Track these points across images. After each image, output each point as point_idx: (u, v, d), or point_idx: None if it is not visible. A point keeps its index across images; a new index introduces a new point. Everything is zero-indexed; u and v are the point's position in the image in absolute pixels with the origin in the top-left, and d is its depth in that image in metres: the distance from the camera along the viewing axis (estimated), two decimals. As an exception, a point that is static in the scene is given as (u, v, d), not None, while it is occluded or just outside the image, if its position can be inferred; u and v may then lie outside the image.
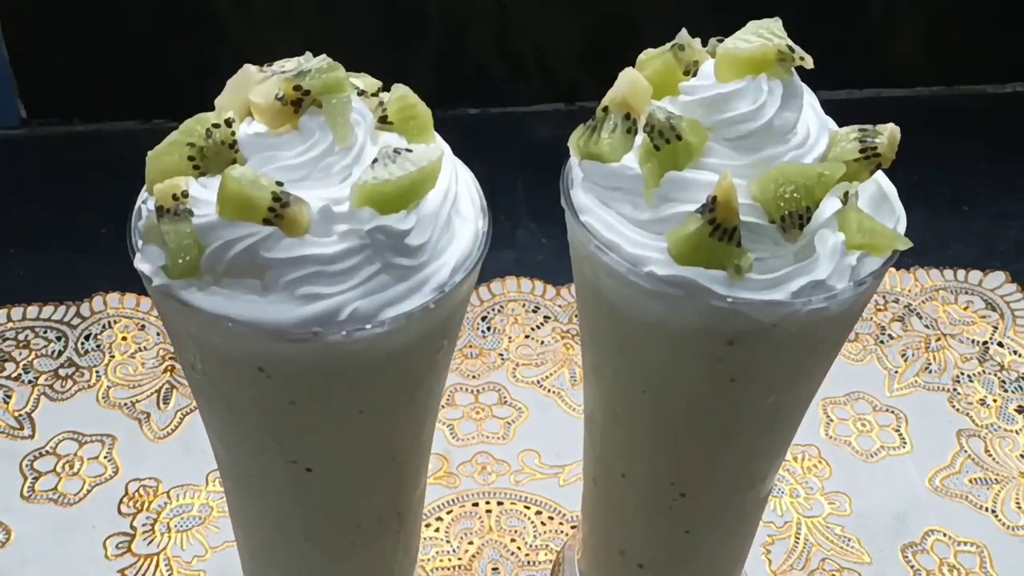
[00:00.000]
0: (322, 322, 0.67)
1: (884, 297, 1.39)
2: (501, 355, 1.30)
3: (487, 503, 1.15)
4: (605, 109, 0.76)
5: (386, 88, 0.77)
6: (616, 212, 0.74)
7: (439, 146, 0.75)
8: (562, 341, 1.31)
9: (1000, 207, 1.55)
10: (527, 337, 1.32)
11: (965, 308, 1.38)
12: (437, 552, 1.10)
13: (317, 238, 0.67)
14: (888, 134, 0.75)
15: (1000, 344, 1.33)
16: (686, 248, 0.70)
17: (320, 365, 0.69)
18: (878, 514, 1.15)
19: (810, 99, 0.77)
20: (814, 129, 0.75)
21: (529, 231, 1.47)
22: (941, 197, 1.56)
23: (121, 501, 1.13)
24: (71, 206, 1.47)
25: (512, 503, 1.15)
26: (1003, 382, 1.29)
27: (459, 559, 1.10)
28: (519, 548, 1.11)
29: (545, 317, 1.34)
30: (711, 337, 0.73)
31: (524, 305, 1.35)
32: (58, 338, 1.28)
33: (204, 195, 0.68)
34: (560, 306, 1.35)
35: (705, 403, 0.78)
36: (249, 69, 0.73)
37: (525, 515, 1.14)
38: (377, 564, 0.89)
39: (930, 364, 1.31)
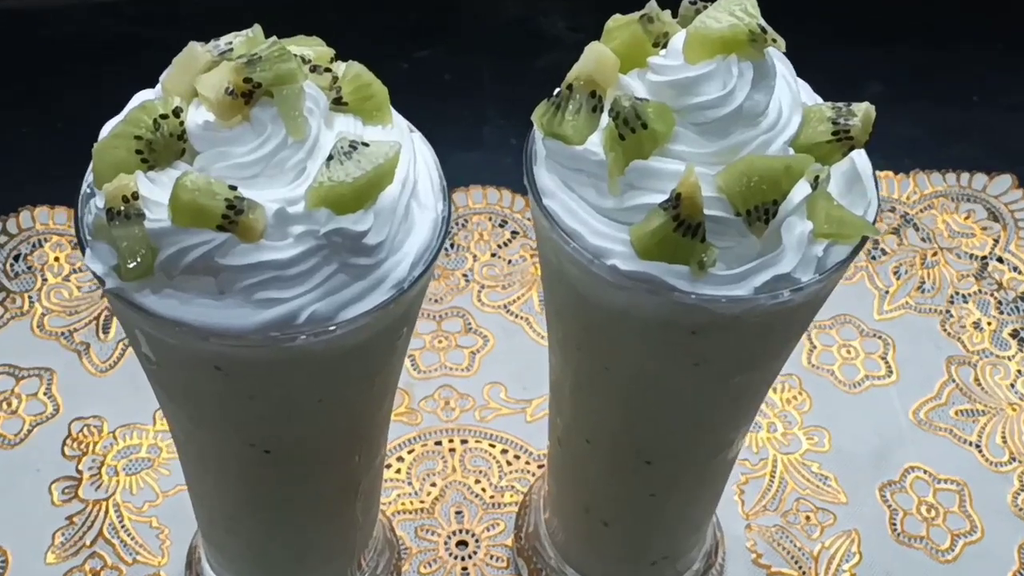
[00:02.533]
0: (280, 327, 0.76)
1: (880, 206, 1.48)
2: (465, 276, 1.40)
3: (450, 441, 1.27)
4: (570, 87, 0.84)
5: (337, 55, 0.85)
6: (579, 197, 0.83)
7: (397, 128, 0.83)
8: (531, 259, 1.41)
9: (1013, 98, 1.63)
10: (493, 255, 1.41)
11: (966, 218, 1.48)
12: (399, 495, 1.23)
13: (273, 242, 0.76)
14: (862, 115, 0.84)
15: (1000, 259, 1.44)
16: (649, 243, 0.80)
17: (278, 364, 0.79)
18: (857, 450, 1.28)
19: (784, 71, 0.85)
20: (786, 108, 0.83)
21: (496, 129, 1.55)
22: (949, 85, 1.64)
23: (64, 442, 1.24)
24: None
25: (477, 441, 1.27)
26: (999, 303, 1.40)
27: (421, 502, 1.22)
28: (484, 490, 1.23)
29: (513, 232, 1.43)
30: (674, 328, 0.83)
31: (491, 219, 1.45)
32: (-15, 258, 1.37)
33: (155, 195, 0.76)
34: (529, 219, 1.44)
35: (669, 383, 0.89)
36: (195, 48, 0.81)
37: (490, 454, 1.26)
38: (338, 530, 1.01)
39: (923, 283, 1.42)
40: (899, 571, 1.20)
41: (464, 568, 1.18)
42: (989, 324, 1.39)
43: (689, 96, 0.81)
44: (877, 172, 1.45)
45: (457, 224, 1.44)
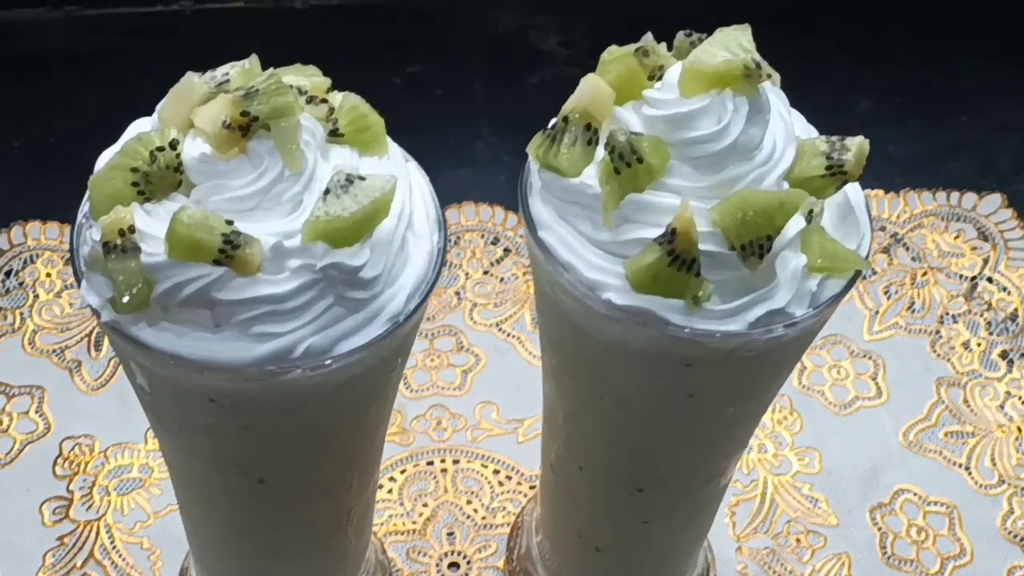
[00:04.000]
0: (276, 361, 0.77)
1: (870, 225, 1.49)
2: (458, 294, 1.40)
3: (442, 461, 1.27)
4: (565, 119, 0.84)
5: (334, 84, 0.86)
6: (574, 229, 0.84)
7: (393, 159, 0.83)
8: (523, 277, 1.41)
9: (1001, 117, 1.65)
10: (486, 273, 1.42)
11: (956, 237, 1.49)
12: (390, 516, 1.23)
13: (269, 276, 0.76)
14: (856, 150, 0.84)
15: (989, 279, 1.45)
16: (644, 278, 0.80)
17: (273, 396, 0.80)
18: (848, 472, 1.29)
19: (778, 103, 0.86)
20: (780, 142, 0.84)
21: (489, 145, 1.56)
22: (939, 103, 1.65)
23: (56, 462, 1.24)
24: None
25: (469, 461, 1.27)
26: (989, 323, 1.41)
27: (413, 523, 1.23)
28: (475, 511, 1.24)
29: (505, 250, 1.44)
30: (668, 360, 0.84)
31: (483, 236, 1.45)
32: (-24, 275, 1.37)
33: (151, 228, 0.76)
34: (521, 236, 1.45)
35: (663, 413, 0.90)
36: (192, 79, 0.81)
37: (482, 474, 1.27)
38: (331, 554, 1.01)
39: (914, 303, 1.43)
40: (889, 594, 1.21)
41: (456, 590, 1.19)
42: (979, 345, 1.40)
43: (684, 130, 0.82)
44: (867, 191, 1.47)
45: (450, 241, 1.44)
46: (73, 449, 1.25)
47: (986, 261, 1.47)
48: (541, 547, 1.14)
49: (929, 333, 1.41)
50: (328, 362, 0.78)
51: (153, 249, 0.75)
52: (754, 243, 0.80)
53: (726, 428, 0.93)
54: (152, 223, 0.77)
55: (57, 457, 1.24)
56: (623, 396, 0.90)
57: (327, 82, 0.85)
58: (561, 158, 0.84)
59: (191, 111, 0.80)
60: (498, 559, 1.21)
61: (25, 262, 1.38)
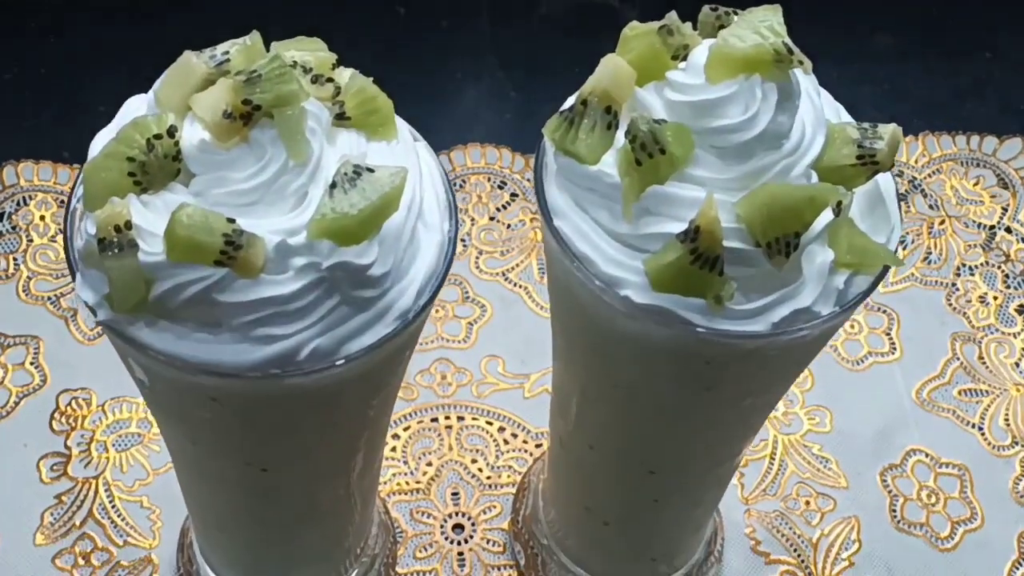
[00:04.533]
0: (280, 363, 0.73)
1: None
2: (463, 241, 1.36)
3: (447, 418, 1.25)
4: (584, 102, 0.80)
5: (340, 59, 0.81)
6: (592, 219, 0.80)
7: (402, 143, 0.79)
8: (530, 224, 1.38)
9: (1026, 53, 1.59)
10: (492, 219, 1.38)
11: (975, 184, 1.45)
12: (394, 474, 1.21)
13: (273, 276, 0.72)
14: (889, 138, 0.80)
15: (1008, 229, 1.41)
16: (665, 276, 0.77)
17: (276, 396, 0.77)
18: (859, 431, 1.27)
19: (807, 85, 0.81)
20: (809, 128, 0.80)
21: (496, 82, 1.50)
22: (961, 40, 1.60)
23: (52, 416, 1.21)
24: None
25: (474, 418, 1.25)
26: (1007, 276, 1.38)
27: (417, 482, 1.21)
28: (480, 470, 1.22)
29: (512, 195, 1.40)
30: (687, 357, 0.81)
31: (489, 179, 1.41)
32: (-32, 217, 1.33)
33: (149, 223, 0.72)
34: (528, 180, 1.41)
35: (678, 405, 0.87)
36: (190, 59, 0.77)
37: (487, 432, 1.24)
38: (334, 529, 1.00)
39: (930, 253, 1.39)
40: (898, 560, 1.19)
41: (460, 554, 1.17)
42: (996, 299, 1.37)
43: (710, 118, 0.77)
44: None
45: (455, 184, 1.40)
46: (70, 403, 1.22)
47: (1005, 209, 1.43)
48: (547, 513, 1.12)
49: (945, 285, 1.37)
50: (334, 364, 0.74)
51: (151, 248, 0.72)
52: (781, 240, 0.77)
53: (742, 418, 0.90)
54: (150, 217, 0.73)
55: (54, 411, 1.22)
56: (637, 387, 0.87)
57: (332, 57, 0.81)
58: (579, 144, 0.80)
59: (189, 94, 0.76)
60: (503, 520, 1.19)
61: (18, 204, 1.34)
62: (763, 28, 0.78)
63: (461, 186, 1.40)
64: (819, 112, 0.81)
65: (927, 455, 1.26)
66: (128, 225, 0.72)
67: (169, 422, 0.86)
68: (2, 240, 1.32)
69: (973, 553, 1.20)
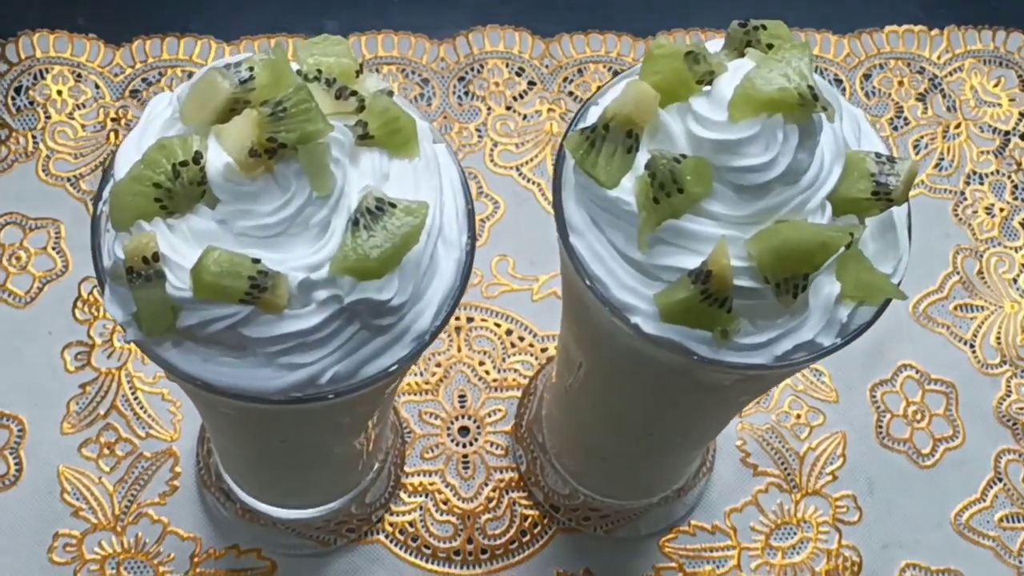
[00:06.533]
0: (302, 388, 0.77)
1: (909, 66, 1.44)
2: (478, 131, 1.36)
3: (456, 318, 1.28)
4: (607, 126, 0.80)
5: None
6: (608, 240, 0.81)
7: (424, 160, 0.80)
8: (547, 115, 1.37)
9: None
10: (508, 108, 1.38)
11: (995, 85, 1.44)
12: (404, 375, 1.26)
13: (296, 311, 0.75)
14: (905, 173, 0.81)
15: (1022, 136, 1.41)
16: (675, 311, 0.79)
17: (297, 412, 0.80)
18: (855, 343, 1.30)
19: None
20: (828, 159, 0.80)
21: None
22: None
23: (75, 304, 1.25)
24: None
25: (483, 319, 1.28)
26: (1015, 187, 1.39)
27: (426, 383, 1.25)
28: (487, 372, 1.26)
29: (530, 83, 1.39)
30: (692, 377, 0.84)
31: (507, 65, 1.40)
32: (-15, 89, 1.33)
33: (176, 252, 0.74)
34: (547, 67, 1.40)
35: (678, 399, 0.91)
36: (214, 78, 0.76)
37: (496, 334, 1.28)
38: (349, 465, 1.05)
39: (943, 159, 1.40)
40: (880, 476, 1.25)
41: (464, 456, 1.23)
42: (1001, 210, 1.38)
43: (731, 157, 0.78)
44: (909, 26, 1.40)
45: (472, 69, 1.39)
46: (92, 291, 1.26)
47: (1022, 115, 1.42)
48: (550, 438, 1.17)
49: (954, 194, 1.38)
50: (353, 386, 0.78)
51: (179, 281, 0.74)
52: (790, 280, 0.79)
53: (740, 407, 0.94)
54: (177, 244, 0.75)
55: (76, 299, 1.25)
56: (640, 384, 0.90)
57: (355, 64, 0.80)
58: (599, 169, 0.80)
59: (214, 113, 0.76)
60: (507, 424, 1.24)
61: (35, 77, 1.34)
62: (790, 71, 0.77)
63: (479, 72, 1.39)
64: (840, 141, 0.81)
65: (917, 371, 1.30)
66: (156, 257, 0.74)
67: (193, 404, 0.89)
68: (21, 115, 1.32)
69: (951, 470, 1.26)
